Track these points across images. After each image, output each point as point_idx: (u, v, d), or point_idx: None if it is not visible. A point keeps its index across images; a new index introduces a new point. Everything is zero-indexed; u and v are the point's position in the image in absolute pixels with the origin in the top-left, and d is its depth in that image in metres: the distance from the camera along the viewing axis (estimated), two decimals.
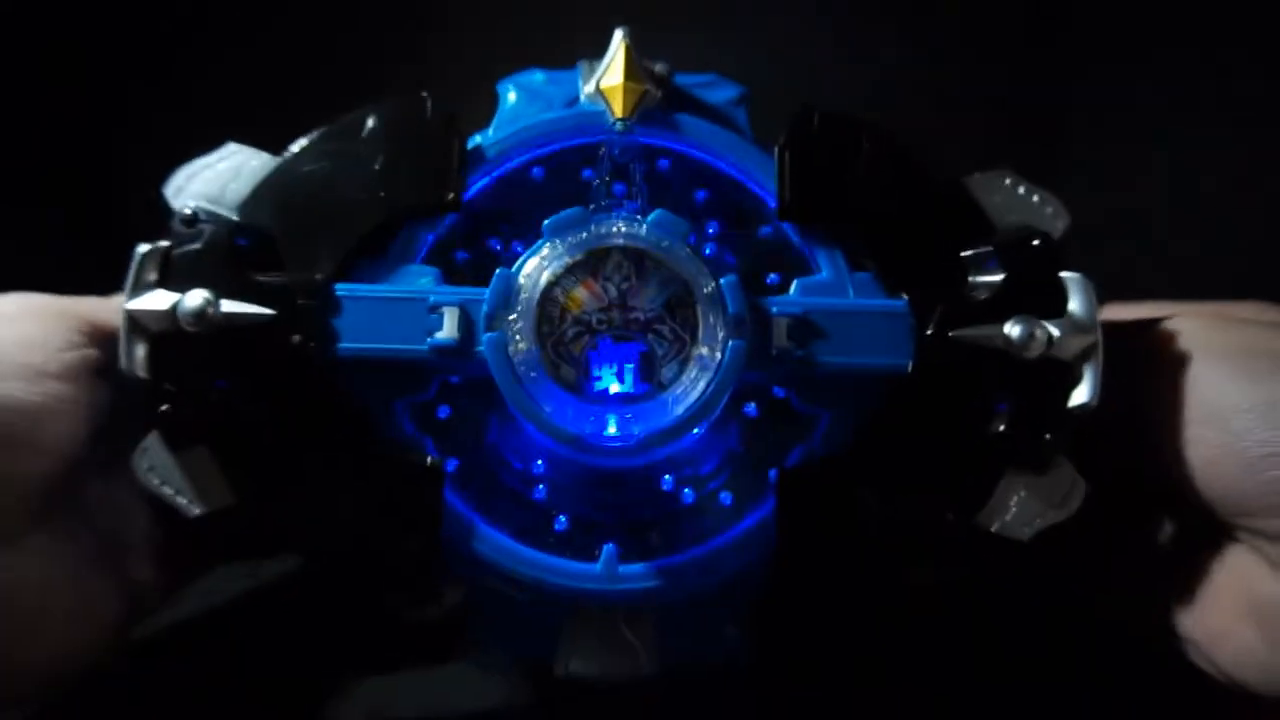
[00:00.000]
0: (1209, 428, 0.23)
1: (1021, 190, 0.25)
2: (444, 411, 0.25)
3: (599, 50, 0.26)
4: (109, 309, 0.25)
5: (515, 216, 0.26)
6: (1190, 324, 0.24)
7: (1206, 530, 0.25)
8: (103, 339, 0.24)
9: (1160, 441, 0.24)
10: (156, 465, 0.23)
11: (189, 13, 0.43)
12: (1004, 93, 0.43)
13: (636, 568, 0.24)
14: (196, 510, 0.23)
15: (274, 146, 0.25)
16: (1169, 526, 0.26)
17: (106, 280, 0.25)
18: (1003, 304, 0.24)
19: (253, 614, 0.29)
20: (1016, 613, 0.28)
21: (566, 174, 0.26)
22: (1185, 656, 0.25)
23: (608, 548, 0.24)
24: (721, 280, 0.23)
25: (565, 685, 0.24)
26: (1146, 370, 0.24)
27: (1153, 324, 0.25)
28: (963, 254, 0.25)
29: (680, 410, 0.23)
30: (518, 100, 0.27)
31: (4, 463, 0.23)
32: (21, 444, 0.23)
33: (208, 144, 0.26)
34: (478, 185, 0.26)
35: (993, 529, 0.23)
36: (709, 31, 0.43)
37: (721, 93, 0.27)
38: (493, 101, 0.27)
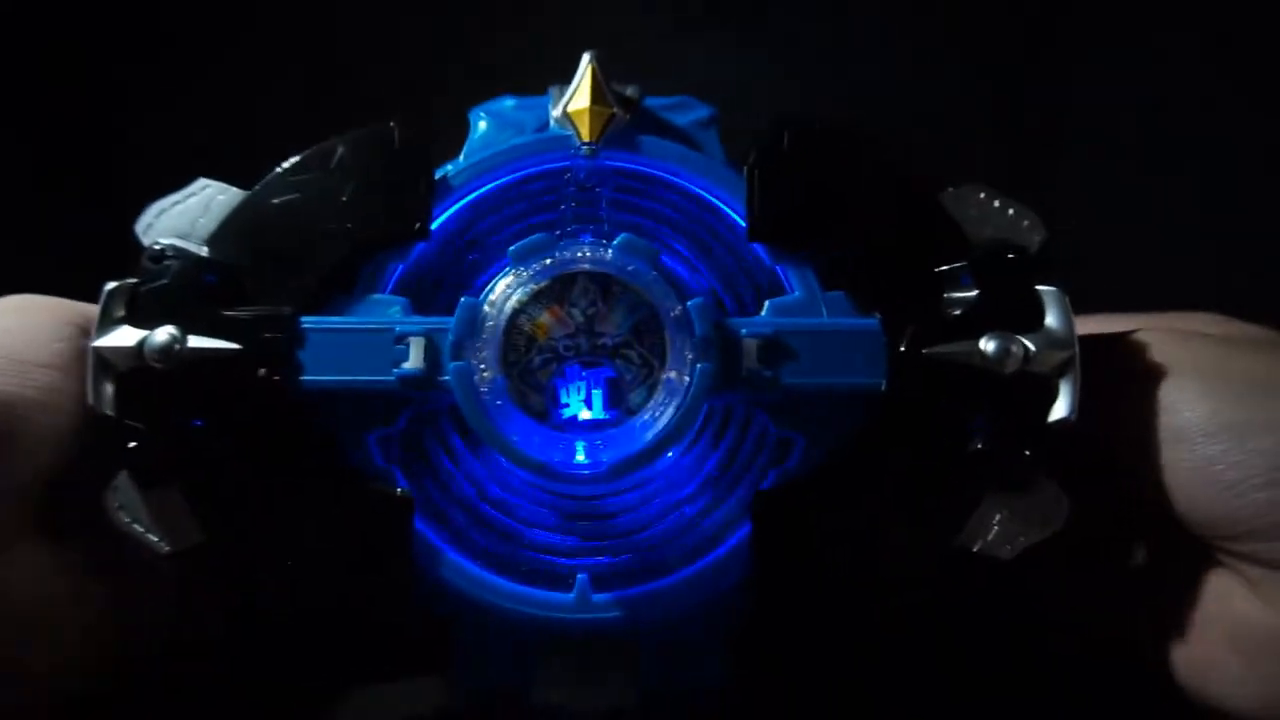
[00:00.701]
0: (1181, 452, 0.22)
1: (997, 204, 0.25)
2: (413, 440, 0.24)
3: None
4: None
5: (484, 241, 0.25)
6: (1155, 341, 0.24)
7: (1188, 554, 0.24)
8: None
9: (1135, 466, 0.23)
10: (126, 504, 0.23)
11: (191, 12, 0.43)
12: (1004, 92, 0.43)
13: (610, 596, 0.23)
14: (166, 549, 0.23)
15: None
16: (1149, 552, 0.26)
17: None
18: (978, 320, 0.23)
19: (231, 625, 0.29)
20: (998, 636, 0.27)
21: (535, 198, 0.26)
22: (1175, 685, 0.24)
23: (580, 577, 0.23)
24: (688, 303, 0.23)
25: (542, 714, 0.24)
26: (1116, 392, 0.23)
27: (1117, 342, 0.24)
28: (937, 270, 0.24)
29: (649, 435, 0.23)
30: (488, 128, 0.27)
31: None
32: (8, 437, 0.22)
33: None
34: (447, 211, 0.25)
35: (974, 549, 0.23)
36: (707, 32, 0.43)
37: (691, 114, 0.27)
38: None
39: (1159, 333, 0.24)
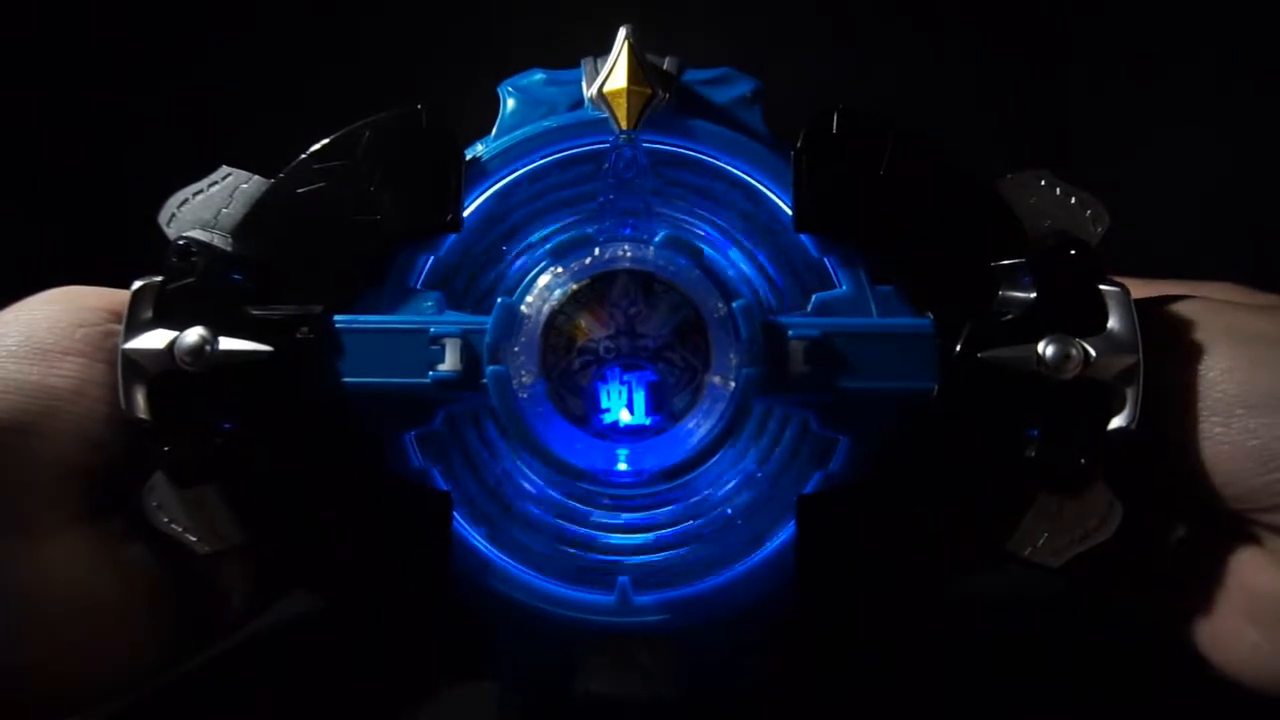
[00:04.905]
0: (1217, 422, 0.22)
1: (1058, 191, 0.24)
2: (451, 440, 0.24)
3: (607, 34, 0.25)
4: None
5: (518, 230, 0.24)
6: (1187, 309, 0.23)
7: (1212, 526, 0.24)
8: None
9: (1167, 435, 0.22)
10: (164, 504, 0.23)
11: (191, 15, 0.41)
12: (1004, 89, 0.42)
13: (650, 599, 0.23)
14: (205, 549, 0.23)
15: (279, 148, 0.24)
16: (1171, 524, 0.25)
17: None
18: (1036, 321, 0.22)
19: (268, 623, 0.29)
20: (1040, 636, 0.27)
21: (569, 184, 0.24)
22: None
23: (621, 580, 0.23)
24: (734, 304, 0.22)
25: (583, 708, 0.24)
26: (1149, 360, 0.22)
27: (1147, 309, 0.23)
28: (993, 265, 0.23)
29: (693, 442, 0.22)
30: (518, 106, 0.25)
31: (18, 447, 0.22)
32: (36, 426, 0.22)
33: (213, 151, 0.25)
34: (478, 198, 0.24)
35: (1023, 555, 0.22)
36: (708, 29, 0.41)
37: (734, 89, 0.25)
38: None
39: (1191, 300, 0.23)
